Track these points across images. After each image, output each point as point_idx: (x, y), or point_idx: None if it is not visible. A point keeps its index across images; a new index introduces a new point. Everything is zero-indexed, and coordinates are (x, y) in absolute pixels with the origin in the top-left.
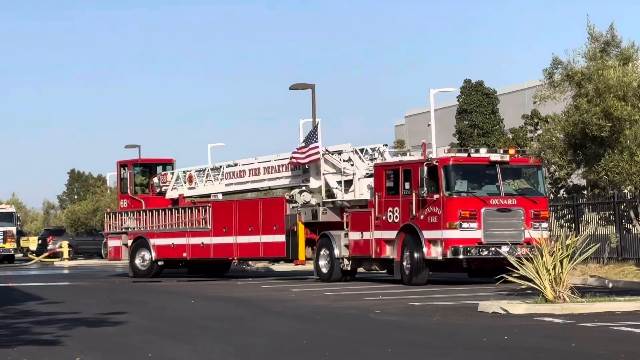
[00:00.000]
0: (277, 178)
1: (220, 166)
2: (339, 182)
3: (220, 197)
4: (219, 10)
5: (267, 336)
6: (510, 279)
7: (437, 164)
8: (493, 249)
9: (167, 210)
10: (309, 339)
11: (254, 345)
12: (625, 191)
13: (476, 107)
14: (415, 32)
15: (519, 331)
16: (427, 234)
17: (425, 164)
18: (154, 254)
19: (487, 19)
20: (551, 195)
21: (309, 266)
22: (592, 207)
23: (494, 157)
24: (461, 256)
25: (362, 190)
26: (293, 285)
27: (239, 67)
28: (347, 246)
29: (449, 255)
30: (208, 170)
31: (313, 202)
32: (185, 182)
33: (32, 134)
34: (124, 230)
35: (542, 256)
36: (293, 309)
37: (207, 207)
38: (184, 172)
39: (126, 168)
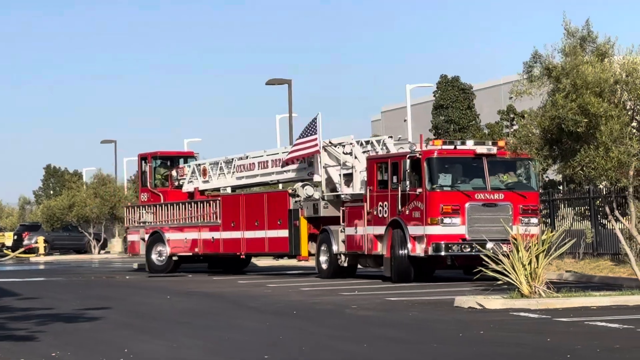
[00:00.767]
0: (284, 171)
1: (232, 159)
2: (341, 176)
3: (229, 190)
4: (195, 6)
5: (243, 331)
6: (489, 273)
7: (420, 156)
8: (476, 245)
9: (180, 204)
10: (285, 334)
11: (229, 340)
12: (601, 187)
13: (452, 102)
14: (392, 28)
15: (495, 326)
16: (412, 230)
17: (408, 156)
18: (168, 249)
19: (463, 14)
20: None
21: (313, 262)
22: (568, 203)
23: (480, 149)
24: (443, 253)
25: (361, 183)
26: (273, 280)
27: (215, 62)
28: (344, 242)
29: (430, 252)
30: (221, 163)
31: (316, 196)
32: (200, 176)
33: (8, 129)
34: (141, 224)
35: (518, 251)
36: (269, 304)
37: (217, 201)
38: (198, 165)
39: (146, 161)
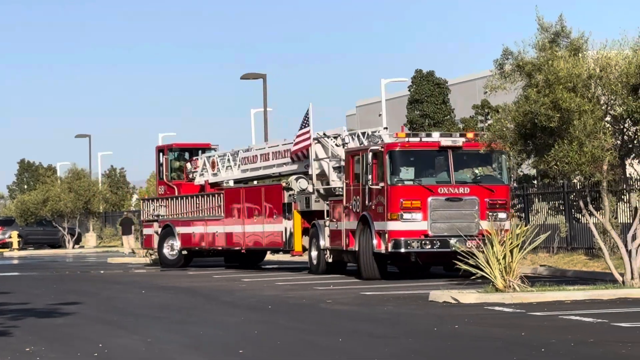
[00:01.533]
0: (284, 164)
1: (238, 151)
2: (332, 168)
3: (231, 183)
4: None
5: (218, 326)
6: (464, 267)
7: (382, 149)
8: (438, 242)
9: (189, 197)
10: (260, 329)
11: (204, 335)
12: (575, 181)
13: (427, 97)
14: (367, 22)
15: (469, 320)
16: (377, 226)
17: (370, 149)
18: (179, 243)
19: (438, 9)
20: (513, 185)
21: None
22: (542, 197)
23: (445, 141)
24: (402, 250)
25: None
26: (248, 275)
27: (190, 56)
28: (329, 237)
29: (390, 248)
30: (228, 156)
31: (310, 189)
32: (210, 168)
33: None
34: (155, 217)
35: (492, 246)
36: (244, 299)
37: (221, 195)
38: (208, 157)
39: (163, 153)
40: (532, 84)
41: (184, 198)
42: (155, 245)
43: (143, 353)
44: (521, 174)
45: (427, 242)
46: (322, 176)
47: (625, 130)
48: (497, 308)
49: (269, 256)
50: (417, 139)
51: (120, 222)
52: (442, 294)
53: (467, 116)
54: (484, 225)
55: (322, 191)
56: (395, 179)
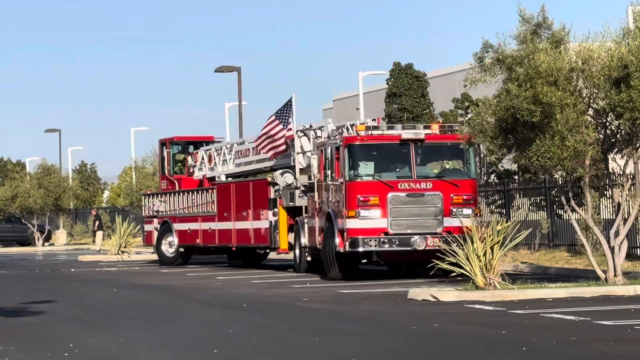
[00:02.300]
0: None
1: (233, 144)
2: (315, 162)
3: (223, 178)
4: None
5: (192, 325)
6: (443, 266)
7: (341, 143)
8: (397, 240)
9: (186, 193)
10: (235, 328)
11: (178, 334)
12: (557, 176)
13: (406, 90)
14: (344, 14)
15: (449, 318)
16: (339, 224)
17: (328, 143)
18: (176, 240)
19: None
20: (482, 180)
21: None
22: (523, 193)
23: (407, 134)
24: (360, 249)
25: None
26: (223, 273)
27: (163, 49)
28: (308, 234)
29: (347, 247)
30: (224, 149)
31: (297, 184)
32: (207, 162)
33: None
34: (154, 213)
35: (472, 242)
36: (218, 297)
37: (214, 190)
38: (206, 150)
39: (165, 146)
40: (512, 78)
41: (181, 193)
42: (154, 241)
43: (115, 353)
44: (502, 169)
45: (386, 240)
46: (308, 170)
47: (607, 124)
48: (477, 306)
49: (272, 254)
50: (379, 132)
51: (94, 217)
52: (421, 291)
53: (446, 110)
54: (449, 222)
55: (304, 186)
56: (354, 174)
